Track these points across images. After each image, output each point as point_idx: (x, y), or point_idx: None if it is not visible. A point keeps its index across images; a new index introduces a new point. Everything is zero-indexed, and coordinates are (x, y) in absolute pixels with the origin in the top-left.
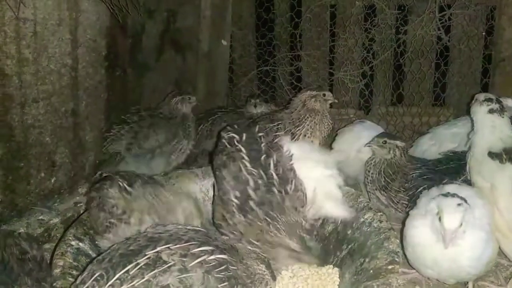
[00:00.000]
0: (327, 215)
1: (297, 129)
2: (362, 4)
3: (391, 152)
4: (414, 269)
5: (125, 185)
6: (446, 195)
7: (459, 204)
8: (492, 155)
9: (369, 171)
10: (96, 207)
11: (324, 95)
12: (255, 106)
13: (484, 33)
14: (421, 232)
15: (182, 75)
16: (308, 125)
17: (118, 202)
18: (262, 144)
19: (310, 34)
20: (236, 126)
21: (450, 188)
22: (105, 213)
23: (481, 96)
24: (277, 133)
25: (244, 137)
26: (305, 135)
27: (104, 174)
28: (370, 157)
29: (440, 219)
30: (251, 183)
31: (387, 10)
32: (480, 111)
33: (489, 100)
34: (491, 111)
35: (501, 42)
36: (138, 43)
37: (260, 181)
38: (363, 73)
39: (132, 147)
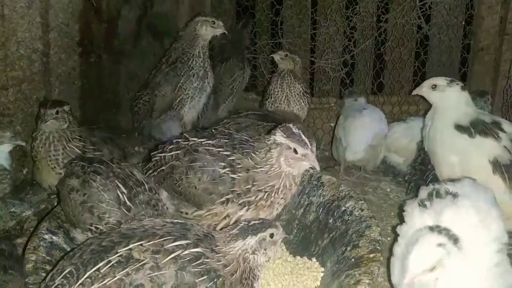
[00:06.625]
0: None
1: None
2: None
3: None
4: None
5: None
6: (433, 229)
7: (439, 245)
8: (460, 128)
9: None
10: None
11: None
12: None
13: (463, 23)
14: None
15: None
16: None
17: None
18: (198, 131)
19: (291, 22)
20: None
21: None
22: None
23: (441, 80)
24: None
25: (181, 137)
26: None
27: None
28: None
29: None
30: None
31: None
32: (455, 90)
33: (453, 80)
34: (463, 88)
35: (480, 31)
36: (113, 28)
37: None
38: (344, 61)
39: None
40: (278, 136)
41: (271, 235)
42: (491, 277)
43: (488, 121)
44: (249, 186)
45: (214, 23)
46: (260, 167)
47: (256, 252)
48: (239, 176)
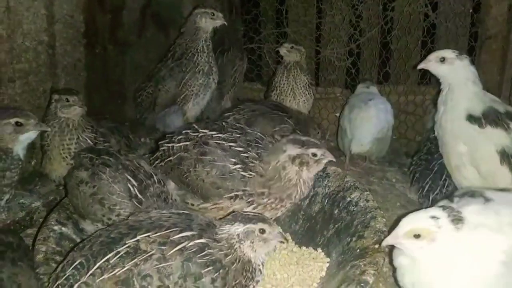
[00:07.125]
0: None
1: None
2: None
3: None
4: None
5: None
6: (441, 206)
7: (433, 217)
8: (471, 119)
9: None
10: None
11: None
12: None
13: (471, 10)
14: None
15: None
16: None
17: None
18: (208, 123)
19: (296, 11)
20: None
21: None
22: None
23: (449, 52)
24: None
25: (190, 128)
26: None
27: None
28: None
29: None
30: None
31: None
32: (462, 65)
33: (462, 53)
34: (472, 63)
35: (488, 19)
36: (118, 18)
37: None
38: (350, 51)
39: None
40: (292, 150)
41: (261, 231)
42: (480, 284)
43: (501, 111)
44: (264, 191)
45: (214, 14)
46: (277, 183)
47: (242, 242)
48: (250, 175)
